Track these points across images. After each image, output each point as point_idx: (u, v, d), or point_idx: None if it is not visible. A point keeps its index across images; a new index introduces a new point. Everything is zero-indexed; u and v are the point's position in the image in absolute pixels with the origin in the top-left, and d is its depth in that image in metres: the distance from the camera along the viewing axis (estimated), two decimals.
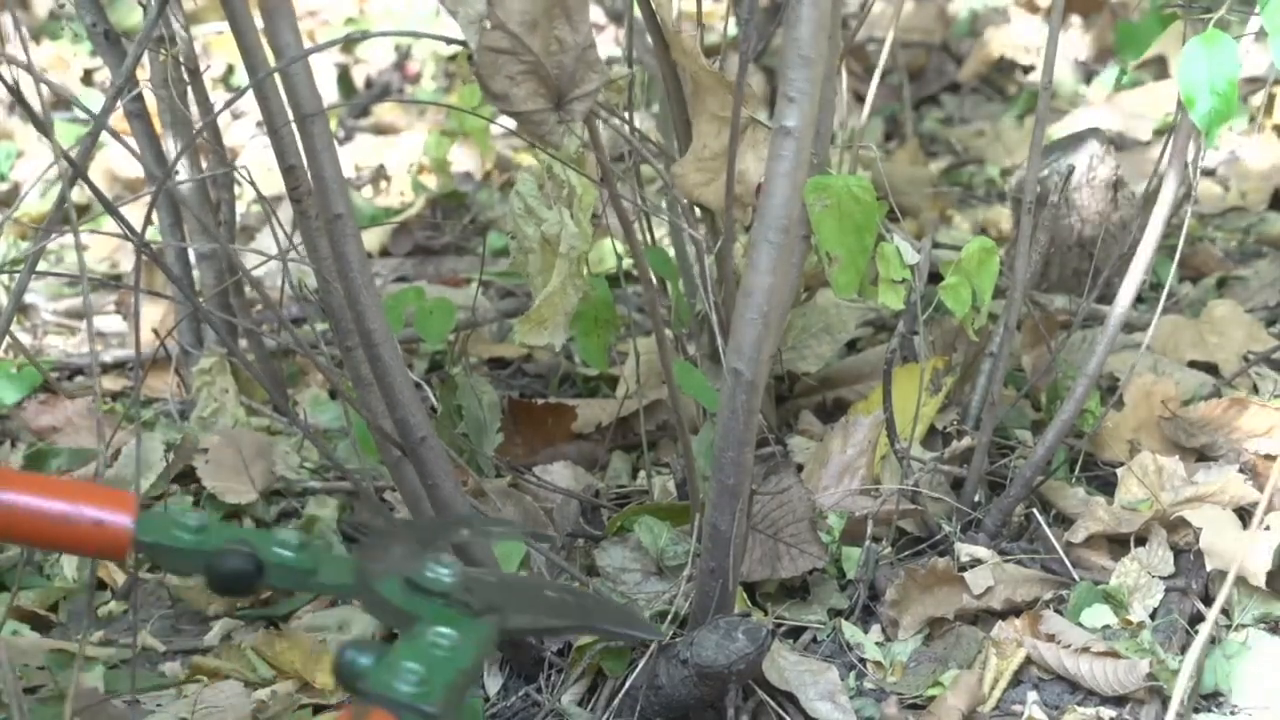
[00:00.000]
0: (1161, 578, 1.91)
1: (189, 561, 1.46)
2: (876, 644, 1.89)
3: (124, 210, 1.76)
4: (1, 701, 1.79)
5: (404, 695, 1.29)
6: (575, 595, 1.68)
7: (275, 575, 1.47)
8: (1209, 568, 1.91)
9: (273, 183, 1.94)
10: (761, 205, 1.58)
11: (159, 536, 1.47)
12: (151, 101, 2.43)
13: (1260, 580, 1.85)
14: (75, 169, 1.66)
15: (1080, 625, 1.85)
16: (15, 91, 1.76)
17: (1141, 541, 1.96)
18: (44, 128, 1.65)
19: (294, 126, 1.64)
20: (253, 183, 1.85)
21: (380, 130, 3.99)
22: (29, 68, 1.67)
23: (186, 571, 1.54)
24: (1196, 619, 1.87)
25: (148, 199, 1.78)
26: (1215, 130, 1.79)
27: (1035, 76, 3.56)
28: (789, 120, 1.55)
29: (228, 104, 1.85)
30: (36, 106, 1.64)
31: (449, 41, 1.66)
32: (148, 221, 1.84)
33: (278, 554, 1.47)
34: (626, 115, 2.03)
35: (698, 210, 2.14)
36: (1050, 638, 1.82)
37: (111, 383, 2.72)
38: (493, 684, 1.87)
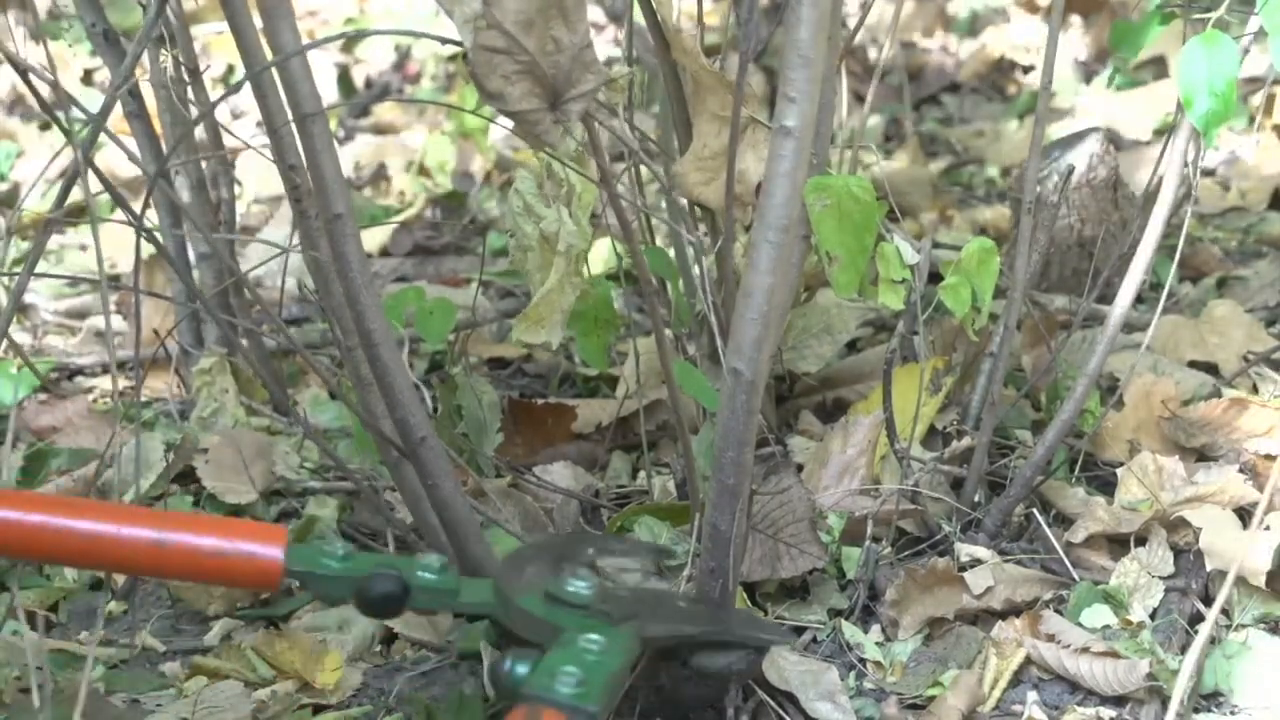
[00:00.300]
0: (1161, 578, 1.91)
1: (338, 587, 1.56)
2: (876, 644, 1.88)
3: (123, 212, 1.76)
4: (2, 701, 1.79)
5: (565, 697, 1.37)
6: (705, 604, 1.72)
7: (420, 597, 1.56)
8: (1209, 568, 1.90)
9: (272, 183, 1.95)
10: (761, 205, 1.58)
11: (309, 565, 1.56)
12: (152, 103, 2.42)
13: (1260, 580, 1.85)
14: (87, 162, 1.67)
15: (1080, 625, 1.85)
16: (24, 78, 1.77)
17: (1141, 541, 1.96)
18: (56, 118, 1.66)
19: (294, 126, 1.64)
20: (258, 151, 1.85)
21: (380, 130, 3.99)
22: (41, 73, 1.67)
23: (335, 597, 1.61)
24: (1196, 619, 1.87)
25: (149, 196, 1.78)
26: (1213, 130, 1.79)
27: (1035, 76, 3.56)
28: (789, 120, 1.55)
29: (223, 96, 1.85)
30: (37, 105, 1.65)
31: (447, 41, 1.65)
32: (145, 205, 1.84)
33: (421, 577, 1.55)
34: (626, 115, 2.03)
35: (698, 210, 2.14)
36: (1050, 638, 1.82)
37: (111, 382, 2.71)
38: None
